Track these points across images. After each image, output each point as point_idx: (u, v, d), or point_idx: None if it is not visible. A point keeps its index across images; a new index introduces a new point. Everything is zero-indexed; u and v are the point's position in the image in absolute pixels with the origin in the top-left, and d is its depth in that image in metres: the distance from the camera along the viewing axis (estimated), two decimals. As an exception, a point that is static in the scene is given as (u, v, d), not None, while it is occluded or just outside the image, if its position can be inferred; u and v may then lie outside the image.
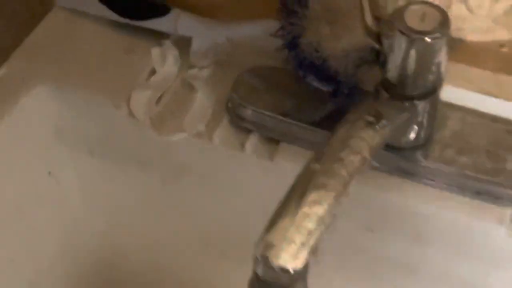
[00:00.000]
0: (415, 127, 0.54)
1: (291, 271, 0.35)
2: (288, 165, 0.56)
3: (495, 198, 0.54)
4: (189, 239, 0.68)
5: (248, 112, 0.59)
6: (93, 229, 0.73)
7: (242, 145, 0.59)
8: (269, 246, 0.35)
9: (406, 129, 0.54)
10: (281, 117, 0.58)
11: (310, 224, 0.36)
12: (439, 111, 0.55)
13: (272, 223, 0.36)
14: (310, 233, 0.35)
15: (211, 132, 0.59)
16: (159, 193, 0.66)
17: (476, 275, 0.57)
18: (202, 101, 0.61)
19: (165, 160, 0.64)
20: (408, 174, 0.56)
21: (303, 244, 0.35)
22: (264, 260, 0.35)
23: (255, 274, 0.36)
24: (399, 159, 0.56)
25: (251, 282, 0.37)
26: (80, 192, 0.70)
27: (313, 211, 0.36)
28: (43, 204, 0.69)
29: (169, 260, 0.73)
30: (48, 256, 0.72)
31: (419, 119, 0.53)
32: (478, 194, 0.54)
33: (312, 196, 0.36)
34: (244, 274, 0.68)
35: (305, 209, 0.36)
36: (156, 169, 0.65)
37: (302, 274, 0.35)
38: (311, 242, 0.35)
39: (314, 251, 0.36)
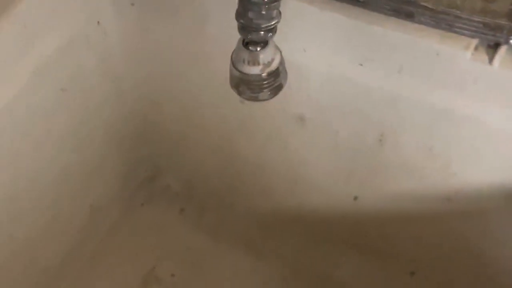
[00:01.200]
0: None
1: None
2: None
3: (464, 30, 0.65)
4: (213, 82, 0.80)
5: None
6: (133, 78, 0.86)
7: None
8: None
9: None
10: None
11: None
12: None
13: None
14: None
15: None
16: (187, 39, 0.78)
17: (445, 101, 0.68)
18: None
19: (193, 8, 0.76)
20: (394, 12, 0.67)
21: None
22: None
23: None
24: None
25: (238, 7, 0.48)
26: (122, 40, 0.82)
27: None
28: (91, 52, 0.82)
29: (196, 104, 0.85)
30: (95, 99, 0.85)
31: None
32: (450, 27, 0.65)
33: None
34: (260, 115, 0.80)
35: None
36: (184, 17, 0.77)
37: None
38: None
39: None
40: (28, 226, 0.79)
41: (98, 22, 0.81)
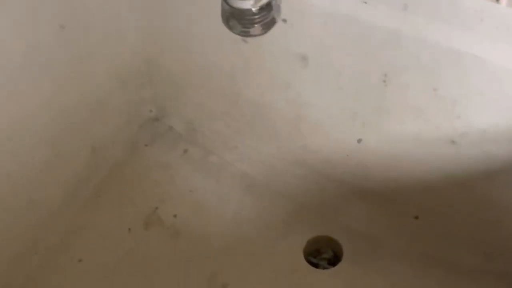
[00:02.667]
0: None
1: None
2: None
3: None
4: (215, 21, 0.78)
5: None
6: (134, 15, 0.84)
7: None
8: None
9: None
10: None
11: None
12: None
13: None
14: None
15: None
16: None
17: (450, 40, 0.66)
18: None
19: None
20: None
21: None
22: None
23: None
24: None
25: None
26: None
27: None
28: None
29: (198, 44, 0.83)
30: (95, 36, 0.83)
31: None
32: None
33: None
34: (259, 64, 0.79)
35: None
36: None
37: None
38: None
39: None
40: (27, 165, 0.79)
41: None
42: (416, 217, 0.88)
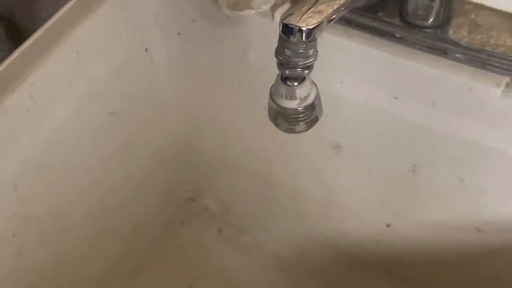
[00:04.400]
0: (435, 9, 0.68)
1: (304, 28, 0.50)
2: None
3: (496, 68, 0.67)
4: (254, 109, 0.84)
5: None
6: (176, 103, 0.90)
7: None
8: (288, 14, 0.51)
9: (429, 11, 0.68)
10: None
11: (320, 8, 0.51)
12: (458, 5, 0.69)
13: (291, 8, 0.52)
14: (319, 13, 0.51)
15: (273, 12, 0.75)
16: (230, 67, 0.82)
17: (476, 135, 0.70)
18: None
19: (236, 38, 0.79)
20: (429, 48, 0.69)
21: (314, 17, 0.50)
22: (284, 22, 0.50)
23: (279, 36, 0.51)
24: (422, 35, 0.70)
25: (277, 45, 0.52)
26: (168, 67, 0.87)
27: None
28: (138, 78, 0.86)
29: (236, 130, 0.89)
30: (140, 122, 0.89)
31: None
32: (483, 64, 0.68)
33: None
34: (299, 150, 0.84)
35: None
36: (227, 46, 0.81)
37: (311, 34, 0.50)
38: (320, 17, 0.51)
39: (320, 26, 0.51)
40: (73, 242, 0.83)
41: (146, 49, 0.85)
42: (443, 301, 0.90)
